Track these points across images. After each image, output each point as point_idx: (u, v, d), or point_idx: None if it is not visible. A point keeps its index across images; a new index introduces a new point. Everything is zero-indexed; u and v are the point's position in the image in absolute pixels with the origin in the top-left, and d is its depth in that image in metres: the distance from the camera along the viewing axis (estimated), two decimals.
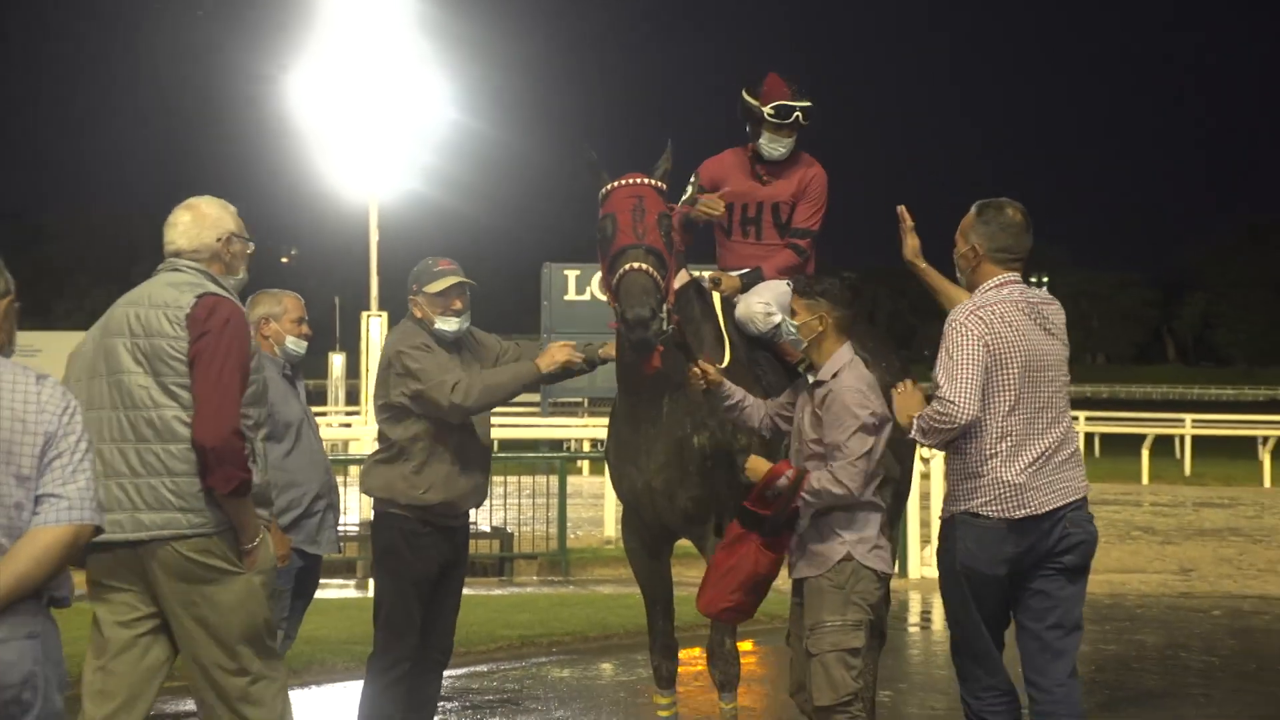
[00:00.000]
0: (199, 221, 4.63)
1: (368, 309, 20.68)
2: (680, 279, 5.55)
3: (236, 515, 4.31)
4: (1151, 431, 29.59)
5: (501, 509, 14.03)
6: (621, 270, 5.15)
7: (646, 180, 5.40)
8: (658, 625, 5.88)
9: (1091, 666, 9.80)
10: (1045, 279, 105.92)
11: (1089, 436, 32.82)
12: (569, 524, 14.03)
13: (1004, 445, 4.77)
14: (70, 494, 3.45)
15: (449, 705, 7.84)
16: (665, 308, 5.14)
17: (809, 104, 6.00)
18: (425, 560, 5.49)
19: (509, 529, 13.96)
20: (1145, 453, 27.95)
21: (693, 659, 7.59)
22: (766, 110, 5.96)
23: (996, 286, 5.03)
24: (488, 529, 13.63)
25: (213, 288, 4.46)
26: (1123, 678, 9.25)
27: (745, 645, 5.88)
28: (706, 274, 5.95)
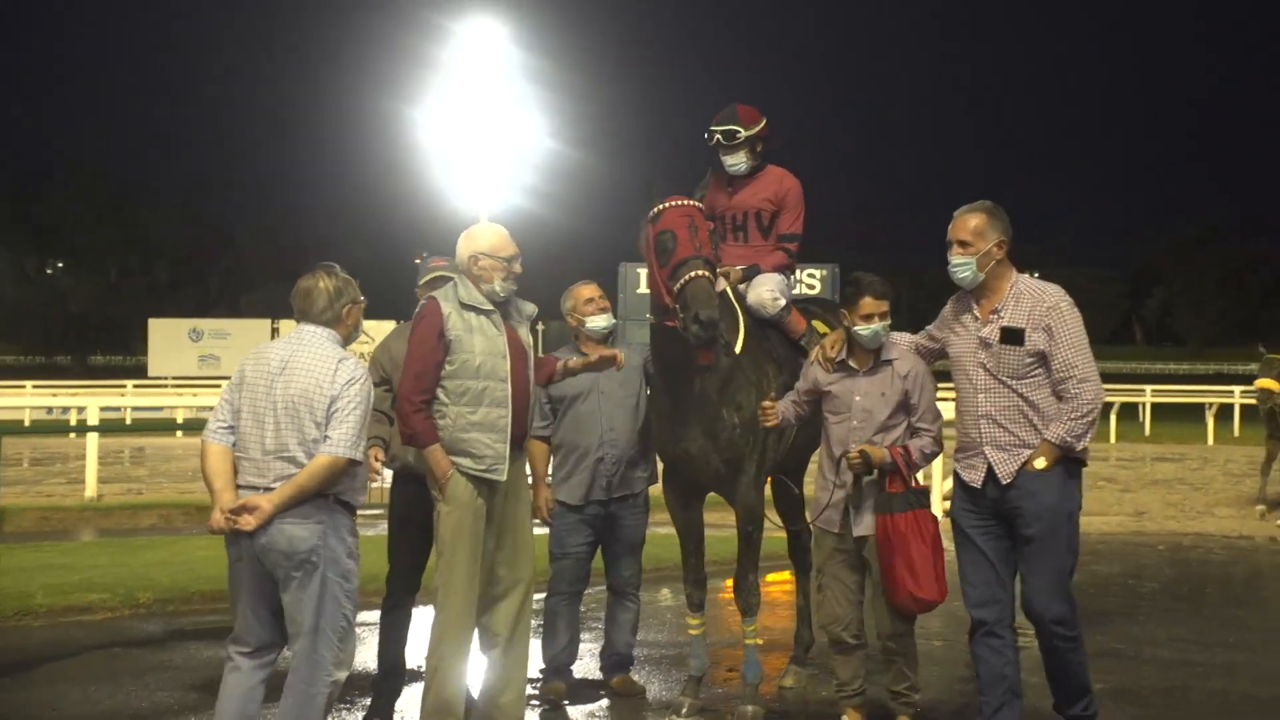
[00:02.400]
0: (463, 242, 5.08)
1: None
2: None
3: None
4: (1118, 400, 29.21)
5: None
6: (686, 277, 5.10)
7: (694, 202, 5.38)
8: (690, 561, 5.83)
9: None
10: (1036, 275, 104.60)
11: None
12: None
13: None
14: (335, 436, 4.29)
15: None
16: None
17: (727, 127, 5.95)
18: (410, 508, 5.39)
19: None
20: (1113, 417, 27.77)
21: (723, 589, 7.54)
22: (705, 136, 6.01)
23: (1037, 278, 4.89)
24: None
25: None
26: (1081, 600, 8.73)
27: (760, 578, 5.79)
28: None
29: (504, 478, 5.00)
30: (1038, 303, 4.76)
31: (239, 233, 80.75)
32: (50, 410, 26.00)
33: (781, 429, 5.55)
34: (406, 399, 4.93)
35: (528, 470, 5.41)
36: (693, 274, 5.09)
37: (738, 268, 5.88)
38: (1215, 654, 7.21)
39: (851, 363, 5.17)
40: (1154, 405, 30.48)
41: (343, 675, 4.43)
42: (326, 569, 4.31)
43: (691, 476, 5.64)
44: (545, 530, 5.98)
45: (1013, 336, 4.73)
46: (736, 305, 5.66)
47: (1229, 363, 74.83)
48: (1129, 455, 23.55)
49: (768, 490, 6.07)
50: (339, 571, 4.35)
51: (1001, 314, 4.79)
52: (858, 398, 5.09)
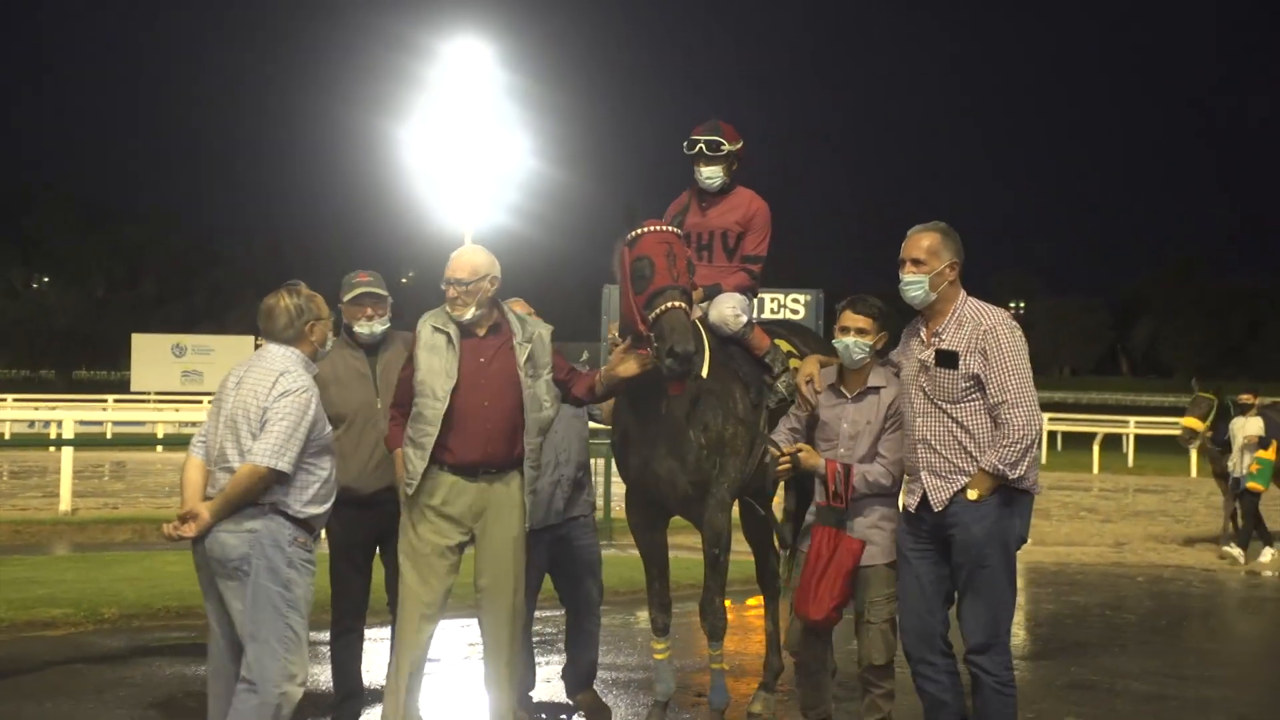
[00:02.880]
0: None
1: None
2: None
3: None
4: (1101, 430, 29.27)
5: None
6: (663, 308, 5.03)
7: (673, 229, 5.31)
8: (654, 586, 5.75)
9: (1033, 622, 9.62)
10: (1023, 304, 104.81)
11: (1052, 435, 32.62)
12: (612, 497, 13.71)
13: None
14: (257, 446, 4.33)
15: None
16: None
17: (712, 137, 5.88)
18: (352, 535, 5.38)
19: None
20: (1096, 448, 27.79)
21: (688, 613, 7.46)
22: (684, 147, 5.93)
23: (983, 300, 4.80)
24: None
25: None
26: (1058, 631, 9.09)
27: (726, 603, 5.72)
28: None
29: (411, 494, 5.02)
30: (977, 325, 4.66)
31: (225, 249, 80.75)
32: (31, 424, 25.87)
33: (749, 451, 5.50)
34: (389, 409, 5.21)
35: (521, 495, 5.13)
36: (669, 305, 5.03)
37: (699, 288, 5.80)
38: (1190, 688, 7.16)
39: (843, 388, 5.10)
40: (1138, 437, 30.45)
41: (294, 689, 4.37)
42: (260, 577, 4.34)
43: (657, 499, 5.57)
44: None
45: (947, 360, 4.64)
46: (701, 328, 5.58)
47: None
48: (1111, 486, 23.56)
49: (736, 513, 6.01)
50: (277, 581, 4.35)
51: (942, 337, 4.70)
52: (844, 425, 5.02)
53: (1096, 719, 6.42)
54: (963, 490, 4.60)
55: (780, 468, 5.04)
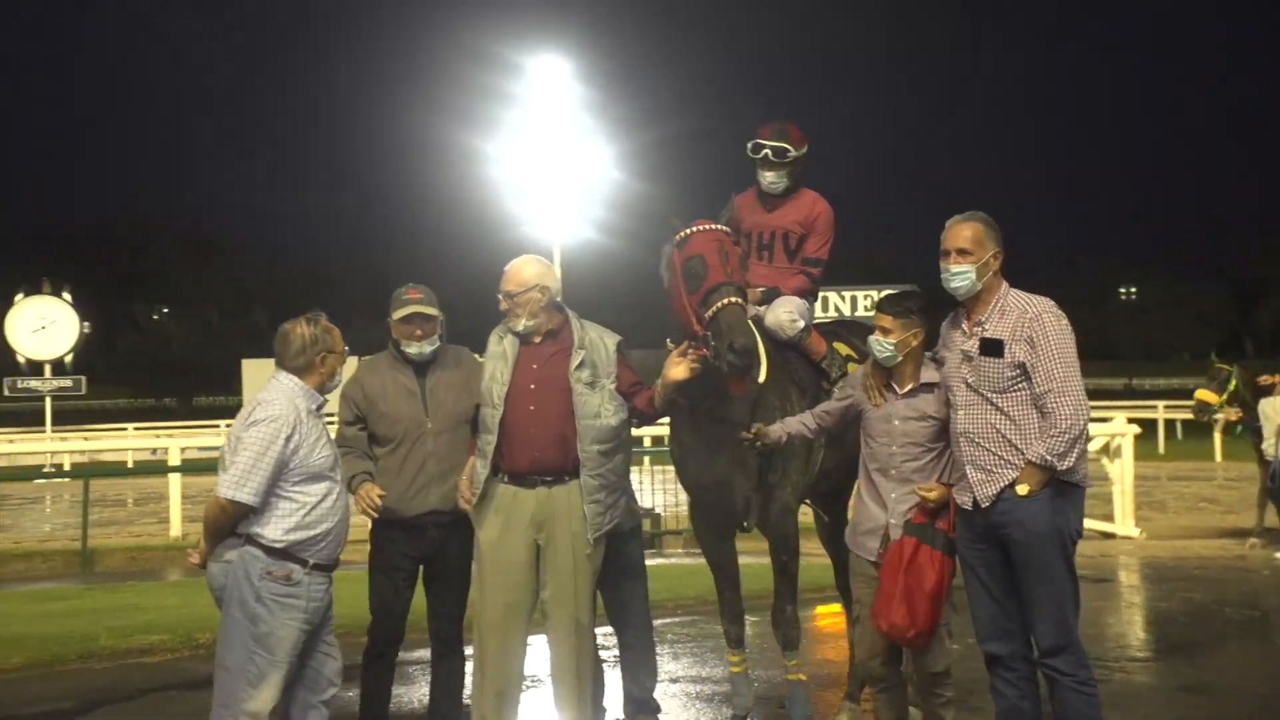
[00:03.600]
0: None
1: None
2: None
3: None
4: (1222, 417, 28.09)
5: (651, 493, 13.76)
6: (720, 304, 4.93)
7: (721, 226, 5.21)
8: (726, 596, 5.66)
9: (1145, 620, 9.28)
10: (1134, 290, 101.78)
11: (1170, 423, 31.61)
12: (665, 506, 13.51)
13: None
14: (222, 476, 4.38)
15: None
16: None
17: (778, 144, 5.78)
18: (394, 556, 5.28)
19: (658, 510, 13.72)
20: (1217, 435, 26.61)
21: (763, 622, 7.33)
22: (748, 149, 5.84)
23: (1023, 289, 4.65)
24: (646, 507, 13.50)
25: None
26: (1172, 630, 8.73)
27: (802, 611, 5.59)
28: None
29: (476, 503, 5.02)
30: (1022, 314, 4.53)
31: (331, 274, 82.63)
32: (154, 451, 26.65)
33: (809, 455, 5.37)
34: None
35: (581, 503, 5.03)
36: (726, 301, 4.93)
37: (757, 289, 5.70)
38: None
39: (894, 384, 4.97)
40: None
41: None
42: (230, 608, 4.41)
43: (721, 508, 5.45)
44: None
45: (992, 348, 4.50)
46: (758, 333, 5.46)
47: None
48: (1235, 475, 22.60)
49: (810, 518, 5.87)
50: (245, 614, 4.38)
51: (985, 326, 4.57)
52: (896, 422, 4.88)
53: None
54: (1011, 485, 4.44)
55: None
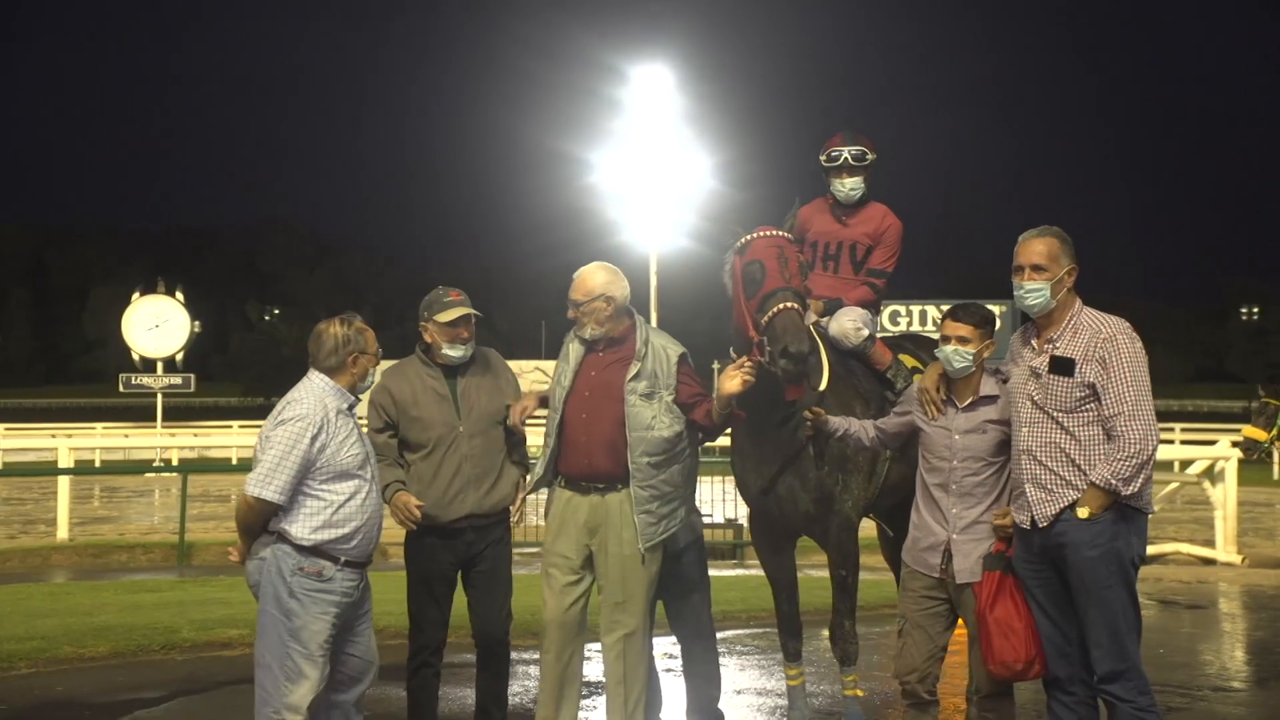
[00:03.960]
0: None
1: None
2: None
3: None
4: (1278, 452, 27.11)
5: (735, 503, 13.72)
6: (775, 310, 4.92)
7: (783, 233, 5.19)
8: (783, 609, 5.66)
9: (1244, 651, 9.00)
10: (1257, 311, 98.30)
11: None
12: (720, 518, 13.64)
13: None
14: (250, 475, 4.47)
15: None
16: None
17: (858, 148, 5.81)
18: (431, 563, 5.25)
19: (740, 520, 13.68)
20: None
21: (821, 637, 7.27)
22: (822, 158, 5.86)
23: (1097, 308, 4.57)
24: (721, 520, 13.47)
25: None
26: (1262, 660, 8.49)
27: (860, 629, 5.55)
28: None
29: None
30: (1095, 334, 4.44)
31: (434, 277, 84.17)
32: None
33: (873, 469, 5.34)
34: None
35: (632, 513, 5.05)
36: (781, 306, 4.91)
37: (820, 299, 5.71)
38: None
39: (954, 398, 4.92)
40: None
41: (291, 718, 4.44)
42: (266, 604, 4.52)
43: (780, 519, 5.44)
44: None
45: (1062, 366, 4.42)
46: (820, 341, 5.46)
47: None
48: None
49: (872, 532, 5.83)
50: (279, 609, 4.48)
51: (1056, 344, 4.49)
52: (956, 436, 4.82)
53: None
54: (1071, 507, 4.37)
55: (808, 430, 4.93)
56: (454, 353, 5.22)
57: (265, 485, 4.45)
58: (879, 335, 5.86)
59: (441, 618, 5.29)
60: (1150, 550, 13.42)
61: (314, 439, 4.48)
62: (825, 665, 7.29)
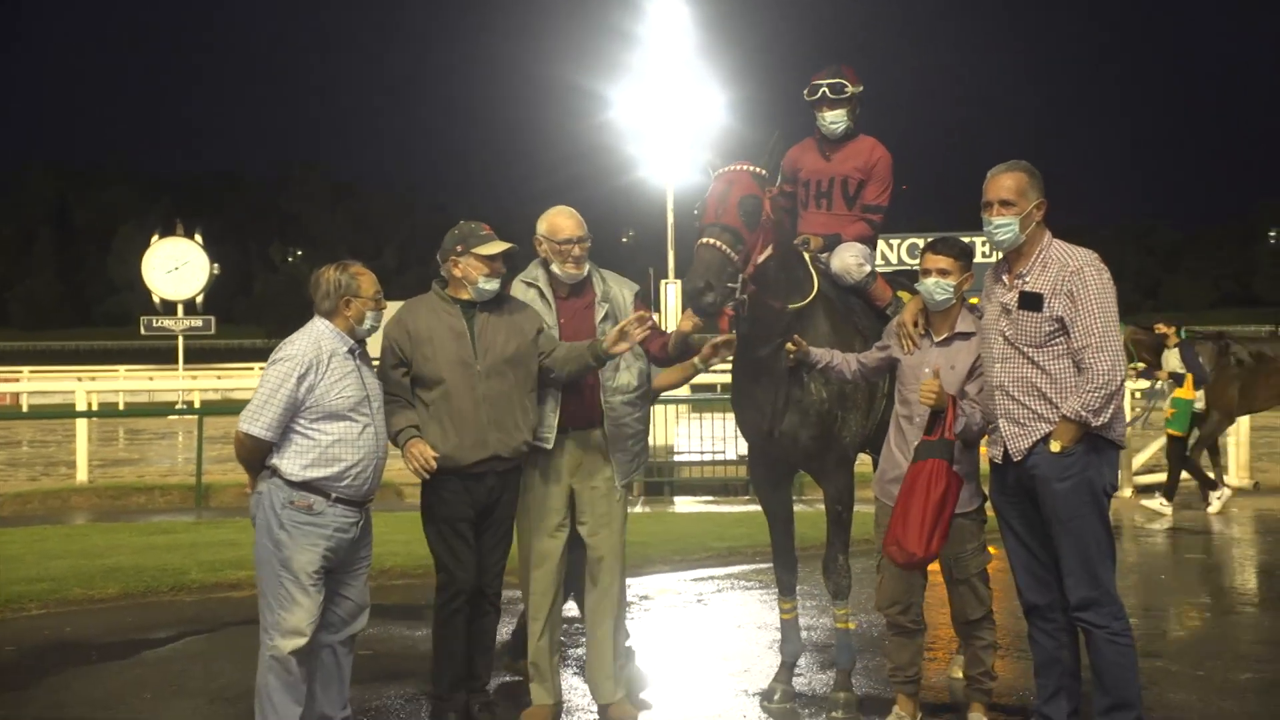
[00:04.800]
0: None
1: (666, 277, 21.04)
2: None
3: None
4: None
5: (737, 442, 13.70)
6: (696, 245, 4.87)
7: (743, 166, 5.08)
8: (780, 543, 5.67)
9: (1238, 575, 9.02)
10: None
11: None
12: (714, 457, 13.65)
13: None
14: (242, 412, 4.60)
15: (650, 602, 7.78)
16: (741, 278, 4.86)
17: (835, 80, 5.74)
18: (452, 509, 5.05)
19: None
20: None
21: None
22: (805, 92, 5.80)
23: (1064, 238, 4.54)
24: (734, 457, 13.51)
25: None
26: (1261, 584, 8.52)
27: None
28: (798, 238, 5.61)
29: (548, 445, 5.09)
30: (1064, 267, 4.40)
31: (455, 216, 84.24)
32: None
33: (870, 405, 5.33)
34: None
35: (604, 447, 5.17)
36: (700, 241, 4.86)
37: (819, 236, 5.67)
38: None
39: (931, 332, 4.93)
40: None
41: (284, 642, 4.58)
42: (260, 535, 4.67)
43: (779, 455, 5.46)
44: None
45: (1031, 302, 4.40)
46: (814, 271, 5.40)
47: None
48: None
49: (868, 467, 5.82)
50: (270, 539, 4.63)
51: (1026, 279, 4.47)
52: (927, 369, 4.84)
53: (1275, 679, 5.93)
54: (1044, 440, 4.37)
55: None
56: (488, 286, 5.04)
57: (253, 421, 4.57)
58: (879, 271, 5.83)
59: (471, 558, 5.09)
60: (1161, 477, 13.48)
61: (300, 379, 4.58)
62: (825, 599, 7.32)
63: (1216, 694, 5.65)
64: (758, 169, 5.09)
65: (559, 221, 5.20)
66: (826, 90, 5.74)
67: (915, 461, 4.69)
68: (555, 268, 5.21)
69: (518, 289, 5.29)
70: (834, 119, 5.79)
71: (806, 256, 5.45)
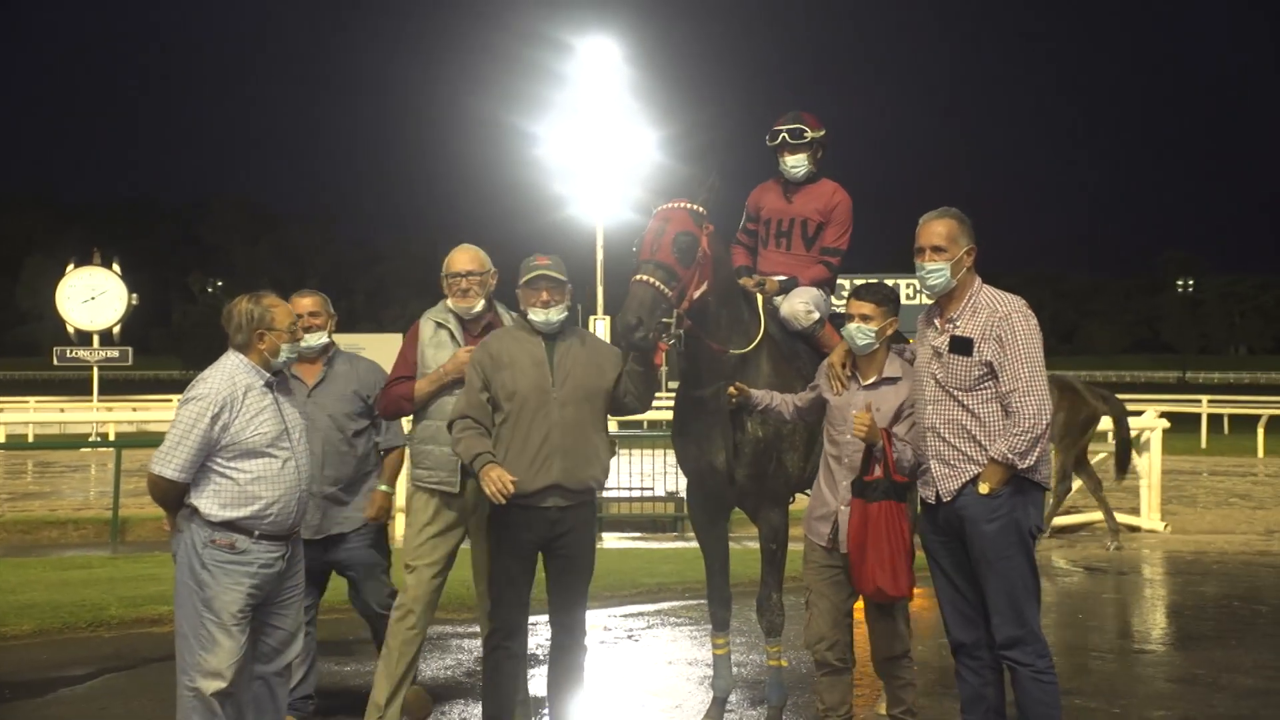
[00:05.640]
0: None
1: (594, 313, 21.14)
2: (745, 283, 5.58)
3: None
4: (1266, 412, 27.76)
5: (676, 476, 13.80)
6: (630, 281, 4.97)
7: (680, 204, 5.19)
8: (715, 580, 5.74)
9: (1150, 614, 9.23)
10: (1191, 283, 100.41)
11: (1216, 418, 31.29)
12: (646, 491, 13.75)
13: None
14: (155, 452, 4.52)
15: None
16: (676, 314, 4.96)
17: (795, 126, 5.86)
18: (512, 539, 4.97)
19: (680, 494, 13.78)
20: (1260, 430, 26.37)
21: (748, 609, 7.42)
22: (766, 137, 5.93)
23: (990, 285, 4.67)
24: (663, 494, 13.57)
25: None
26: (1175, 624, 8.75)
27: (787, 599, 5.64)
28: (753, 279, 5.76)
29: (454, 490, 5.11)
30: (993, 312, 4.54)
31: (383, 248, 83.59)
32: None
33: (808, 447, 5.42)
34: (388, 386, 5.43)
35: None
36: (634, 278, 4.97)
37: (776, 278, 5.76)
38: None
39: (858, 374, 5.03)
40: None
41: (205, 683, 4.46)
42: (181, 574, 4.56)
43: (715, 493, 5.52)
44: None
45: (961, 346, 4.53)
46: (762, 315, 5.52)
47: None
48: (1274, 471, 22.31)
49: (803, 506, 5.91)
50: (193, 579, 4.53)
51: (957, 324, 4.60)
52: (853, 412, 4.93)
53: (1186, 715, 6.11)
54: (973, 482, 4.49)
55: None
56: (537, 318, 5.02)
57: (165, 463, 4.47)
58: (835, 311, 5.94)
59: (520, 601, 4.98)
60: (1079, 519, 13.79)
61: (214, 419, 4.48)
62: (757, 635, 7.38)
63: None
64: (695, 206, 5.18)
65: (454, 256, 5.38)
66: (786, 135, 5.86)
67: (868, 501, 4.78)
68: (450, 302, 5.34)
69: (427, 328, 5.39)
70: (795, 163, 5.90)
71: (759, 299, 5.54)
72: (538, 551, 5.00)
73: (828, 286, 5.96)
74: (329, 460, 5.58)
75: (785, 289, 5.79)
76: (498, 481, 4.73)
